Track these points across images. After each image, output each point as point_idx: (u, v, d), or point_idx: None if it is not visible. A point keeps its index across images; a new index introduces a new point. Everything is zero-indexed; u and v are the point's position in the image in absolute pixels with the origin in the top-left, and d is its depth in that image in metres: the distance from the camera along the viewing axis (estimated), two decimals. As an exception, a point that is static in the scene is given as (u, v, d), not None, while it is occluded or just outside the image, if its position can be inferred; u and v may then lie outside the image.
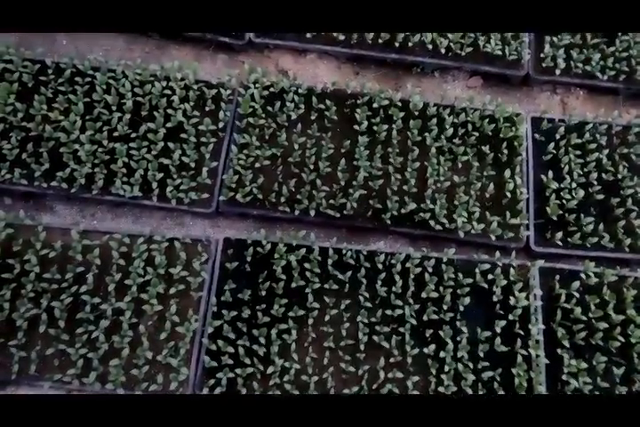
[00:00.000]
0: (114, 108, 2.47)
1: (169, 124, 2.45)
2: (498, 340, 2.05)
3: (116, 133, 2.42)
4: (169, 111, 2.48)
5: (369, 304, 2.13)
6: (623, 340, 2.07)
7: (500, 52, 2.69)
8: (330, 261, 2.20)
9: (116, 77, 2.54)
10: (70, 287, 2.13)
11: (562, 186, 2.37)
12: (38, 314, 2.08)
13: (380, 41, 2.70)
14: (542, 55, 2.69)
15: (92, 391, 2.03)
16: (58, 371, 2.02)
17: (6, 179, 2.34)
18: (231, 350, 2.04)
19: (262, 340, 2.05)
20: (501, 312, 2.11)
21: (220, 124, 2.48)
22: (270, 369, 2.02)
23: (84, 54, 2.70)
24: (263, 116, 2.50)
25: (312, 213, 2.31)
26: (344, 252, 2.22)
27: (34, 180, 2.34)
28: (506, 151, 2.44)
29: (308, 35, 2.73)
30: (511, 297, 2.12)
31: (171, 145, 2.41)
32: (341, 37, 2.72)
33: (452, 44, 2.70)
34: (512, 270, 2.18)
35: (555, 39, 2.72)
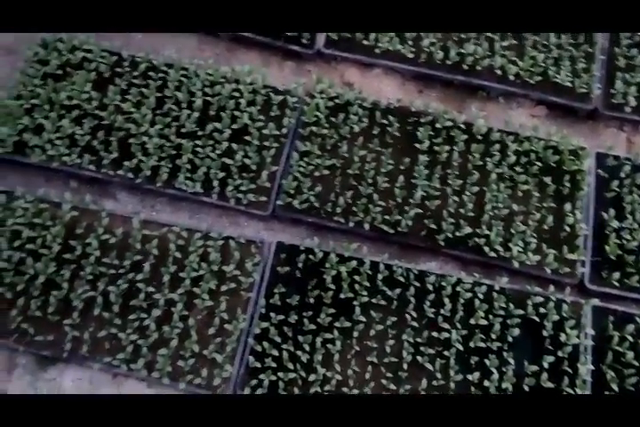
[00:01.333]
0: (184, 105, 2.55)
1: (234, 126, 2.52)
2: (544, 375, 2.02)
3: (183, 130, 2.50)
4: (235, 113, 2.54)
5: (415, 324, 2.14)
6: (674, 390, 2.02)
7: (569, 84, 2.68)
8: (380, 277, 2.22)
9: (188, 76, 2.63)
10: (127, 274, 2.20)
11: (623, 225, 2.34)
12: (94, 297, 2.16)
13: (449, 62, 2.73)
14: (613, 91, 2.66)
15: (138, 377, 2.09)
16: (107, 354, 2.08)
17: (75, 163, 2.43)
18: (275, 353, 2.07)
19: (306, 347, 2.08)
20: (550, 348, 2.08)
21: (284, 131, 2.54)
22: (312, 377, 2.04)
23: (157, 50, 2.80)
24: (326, 126, 2.55)
25: (366, 226, 2.33)
26: (394, 268, 2.23)
27: (101, 167, 2.43)
28: (568, 184, 2.42)
29: (377, 50, 2.77)
30: (562, 333, 2.10)
31: (234, 146, 2.48)
32: (409, 55, 2.76)
33: (521, 71, 2.70)
34: (565, 306, 2.15)
35: (627, 76, 2.70)
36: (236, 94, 2.60)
